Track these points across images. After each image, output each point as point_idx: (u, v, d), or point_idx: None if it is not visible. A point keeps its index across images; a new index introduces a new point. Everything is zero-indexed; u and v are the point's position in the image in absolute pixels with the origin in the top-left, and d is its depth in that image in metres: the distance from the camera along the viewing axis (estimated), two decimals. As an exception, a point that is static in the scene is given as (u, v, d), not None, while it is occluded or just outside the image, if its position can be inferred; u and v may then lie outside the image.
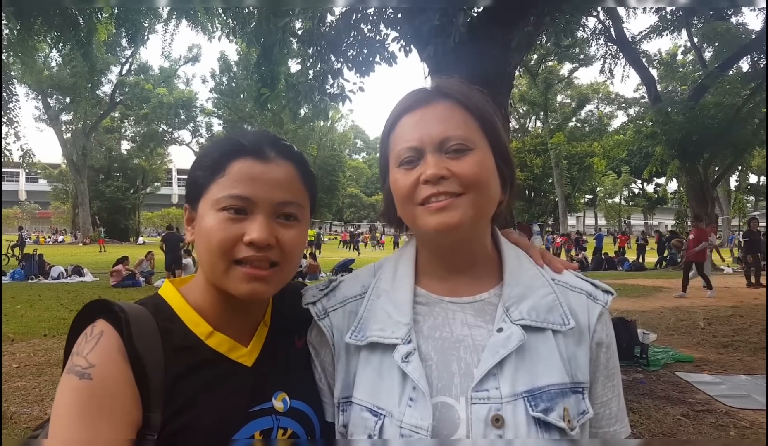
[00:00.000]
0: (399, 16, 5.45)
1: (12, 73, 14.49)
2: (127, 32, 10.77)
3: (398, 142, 0.84)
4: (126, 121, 45.62)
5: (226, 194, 0.79)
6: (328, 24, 5.88)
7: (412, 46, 5.53)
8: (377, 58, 6.08)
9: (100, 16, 10.69)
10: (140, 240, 43.58)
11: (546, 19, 4.58)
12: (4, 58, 11.96)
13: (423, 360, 0.80)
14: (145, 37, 12.69)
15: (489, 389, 0.76)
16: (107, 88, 39.30)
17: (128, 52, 36.70)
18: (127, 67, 39.76)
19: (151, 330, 0.78)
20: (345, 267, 16.80)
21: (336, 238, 38.59)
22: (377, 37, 6.00)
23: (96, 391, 0.71)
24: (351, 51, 6.09)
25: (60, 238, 43.94)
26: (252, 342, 0.87)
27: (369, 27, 5.97)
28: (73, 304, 10.15)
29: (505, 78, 5.17)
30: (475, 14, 4.74)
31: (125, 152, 48.28)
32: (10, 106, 13.81)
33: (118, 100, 40.76)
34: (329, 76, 6.24)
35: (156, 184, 51.11)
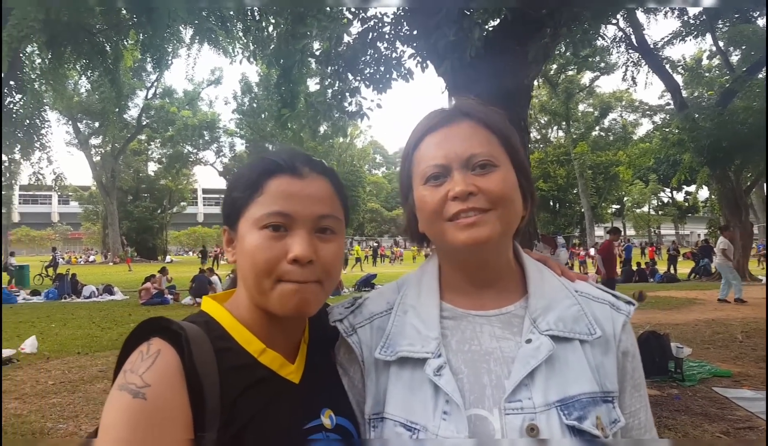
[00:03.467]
0: (415, 33, 5.48)
1: (45, 101, 15.11)
2: (152, 57, 11.16)
3: (423, 160, 0.85)
4: (152, 143, 46.99)
5: (267, 212, 0.81)
6: (345, 44, 5.95)
7: (428, 62, 5.54)
8: (394, 75, 6.12)
9: (126, 43, 11.09)
10: (168, 258, 44.42)
11: (562, 31, 4.54)
12: (37, 86, 12.51)
13: (454, 373, 0.80)
14: (169, 62, 13.17)
15: (522, 399, 0.77)
16: (134, 112, 40.54)
17: (153, 77, 37.62)
18: (152, 91, 40.99)
19: (206, 348, 0.78)
20: (367, 282, 16.75)
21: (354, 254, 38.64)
22: (393, 55, 6.04)
23: (148, 412, 0.70)
24: (368, 69, 6.14)
25: (91, 258, 45.16)
26: (297, 359, 0.88)
27: (385, 45, 6.02)
28: (104, 322, 10.39)
29: (524, 90, 5.13)
30: (490, 28, 4.73)
31: (152, 173, 49.57)
32: (43, 131, 14.40)
33: (145, 123, 41.98)
34: (347, 94, 6.29)
35: (182, 203, 52.13)
